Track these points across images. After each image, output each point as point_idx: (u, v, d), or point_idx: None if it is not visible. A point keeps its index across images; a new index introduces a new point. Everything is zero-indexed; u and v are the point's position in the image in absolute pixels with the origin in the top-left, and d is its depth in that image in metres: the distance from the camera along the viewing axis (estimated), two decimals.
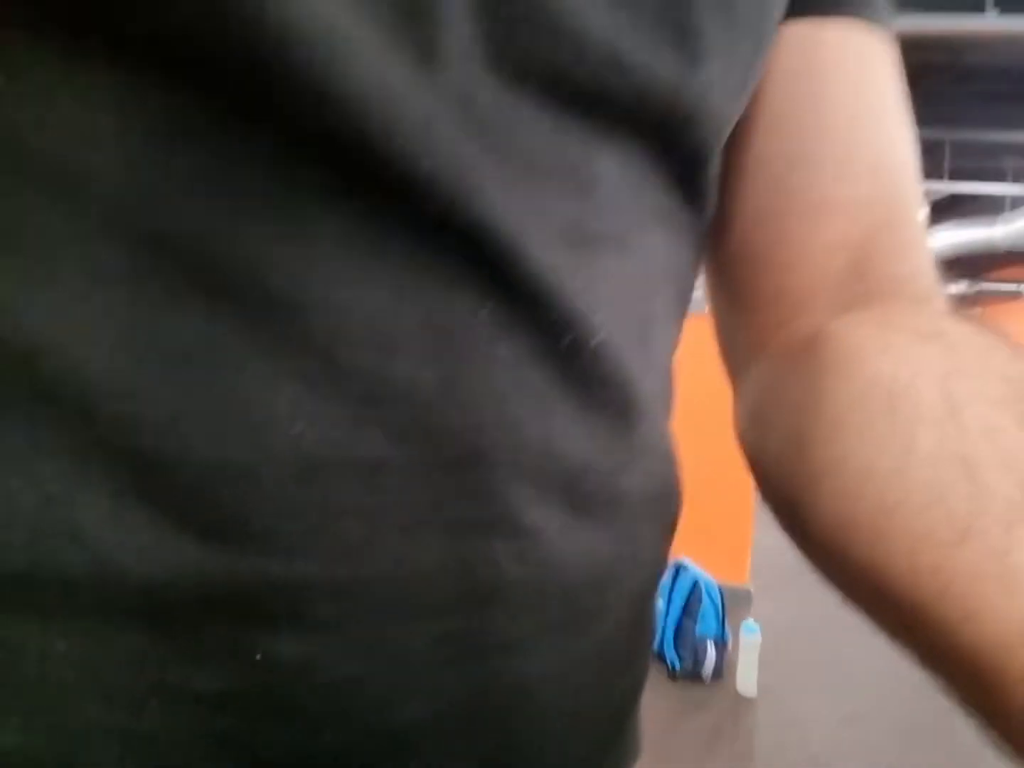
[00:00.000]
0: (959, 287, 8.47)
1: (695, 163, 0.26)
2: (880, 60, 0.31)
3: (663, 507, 0.27)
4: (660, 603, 2.68)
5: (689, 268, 0.30)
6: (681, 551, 2.82)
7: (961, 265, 7.25)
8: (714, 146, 0.27)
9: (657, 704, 2.38)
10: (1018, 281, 8.53)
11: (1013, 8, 2.92)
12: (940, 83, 4.34)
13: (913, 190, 0.31)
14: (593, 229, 0.23)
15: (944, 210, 6.33)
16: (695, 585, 2.73)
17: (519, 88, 0.21)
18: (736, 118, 0.27)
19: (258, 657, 0.18)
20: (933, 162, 5.68)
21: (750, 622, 2.55)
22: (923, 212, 0.32)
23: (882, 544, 0.21)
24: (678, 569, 2.78)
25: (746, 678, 2.52)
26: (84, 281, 0.17)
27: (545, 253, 0.21)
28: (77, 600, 0.17)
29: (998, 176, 5.78)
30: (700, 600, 2.71)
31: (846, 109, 0.30)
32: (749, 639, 2.51)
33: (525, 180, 0.21)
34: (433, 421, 0.19)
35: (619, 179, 0.24)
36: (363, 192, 0.18)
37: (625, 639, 0.26)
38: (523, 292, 0.20)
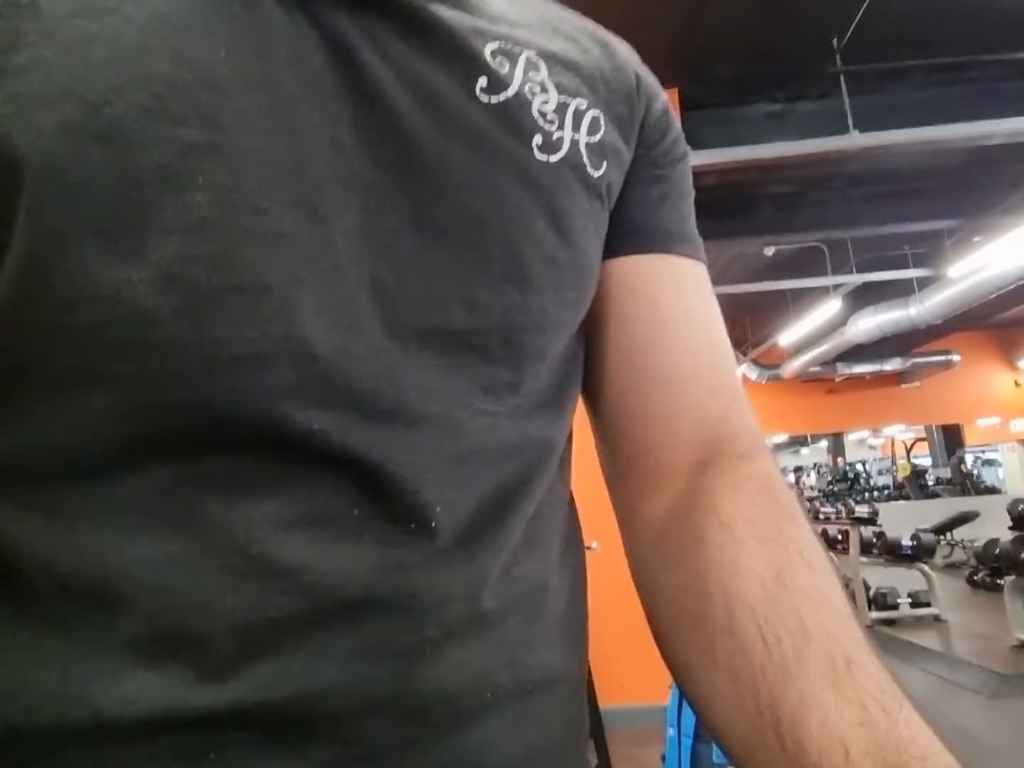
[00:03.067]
0: (893, 364, 8.98)
1: (567, 356, 0.37)
2: (691, 276, 0.42)
3: (535, 616, 0.33)
4: (670, 731, 2.49)
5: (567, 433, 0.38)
6: None
7: (890, 344, 7.76)
8: (571, 337, 0.37)
9: None
10: (946, 352, 9.09)
11: (868, 127, 3.48)
12: (829, 191, 4.89)
13: (731, 363, 0.41)
14: (455, 451, 0.30)
15: (860, 298, 6.86)
16: None
17: (417, 351, 0.29)
18: (579, 314, 0.37)
19: (212, 756, 0.25)
20: (840, 258, 6.26)
21: None
22: (738, 375, 0.42)
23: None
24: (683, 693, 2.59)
25: None
26: (139, 535, 0.25)
27: (400, 473, 0.28)
28: (80, 739, 0.24)
29: (901, 262, 6.38)
30: None
31: (669, 310, 0.40)
32: None
33: (403, 428, 0.29)
34: (321, 583, 0.27)
35: (497, 398, 0.32)
36: (277, 449, 0.27)
37: (522, 730, 0.31)
38: (381, 499, 0.28)
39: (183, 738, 0.25)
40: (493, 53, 0.33)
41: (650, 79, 0.42)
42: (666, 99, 0.43)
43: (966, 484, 9.39)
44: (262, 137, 0.26)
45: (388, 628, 0.28)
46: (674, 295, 0.40)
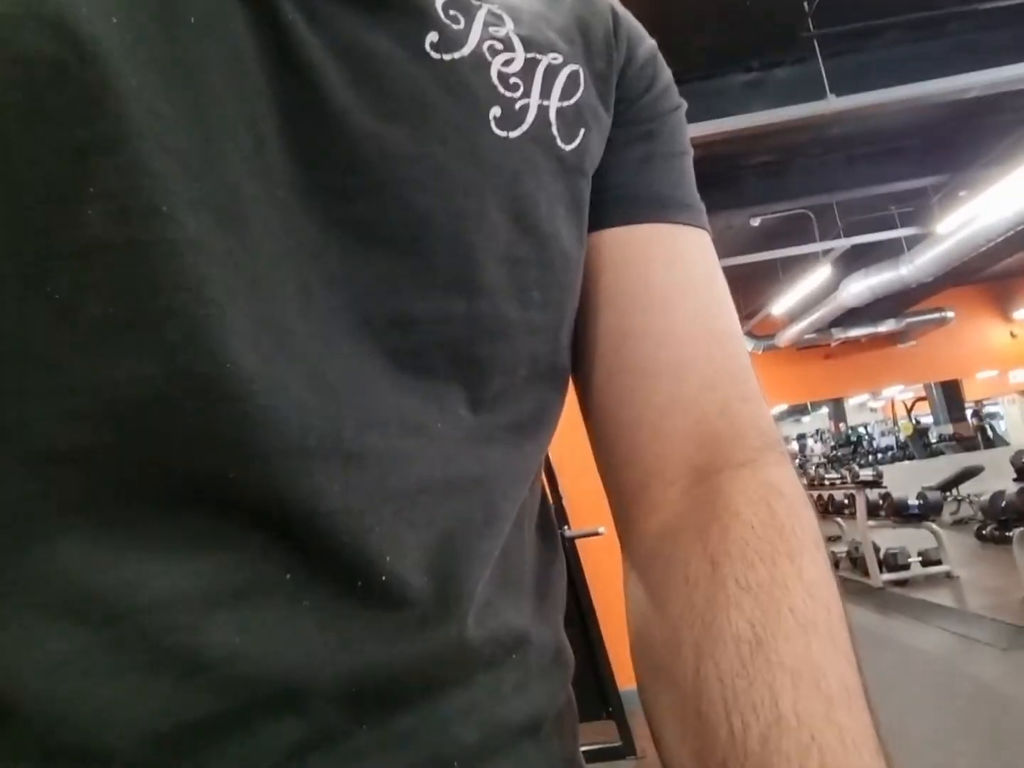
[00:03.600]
0: (888, 325, 8.98)
1: (549, 362, 0.32)
2: (687, 246, 0.36)
3: (512, 669, 0.30)
4: None
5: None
6: None
7: (884, 305, 7.76)
8: (551, 341, 0.32)
9: None
10: (940, 309, 9.10)
11: (845, 91, 3.46)
12: (811, 157, 4.88)
13: (735, 347, 0.35)
14: (403, 488, 0.26)
15: (850, 262, 6.86)
16: None
17: (354, 373, 0.25)
18: (555, 314, 0.32)
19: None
20: (827, 223, 6.25)
21: None
22: (748, 361, 0.35)
23: None
24: None
25: None
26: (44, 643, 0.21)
27: (336, 523, 0.24)
28: None
29: (888, 223, 6.38)
30: None
31: (658, 290, 0.34)
32: None
33: (339, 468, 0.24)
34: (248, 674, 0.23)
35: (454, 418, 0.28)
36: (193, 505, 0.23)
37: None
38: (319, 556, 0.24)
39: None
40: (445, 6, 0.28)
41: (632, 22, 0.37)
42: (652, 45, 0.38)
43: (978, 439, 9.40)
44: (163, 125, 0.22)
45: (327, 719, 0.24)
46: (664, 270, 0.35)
